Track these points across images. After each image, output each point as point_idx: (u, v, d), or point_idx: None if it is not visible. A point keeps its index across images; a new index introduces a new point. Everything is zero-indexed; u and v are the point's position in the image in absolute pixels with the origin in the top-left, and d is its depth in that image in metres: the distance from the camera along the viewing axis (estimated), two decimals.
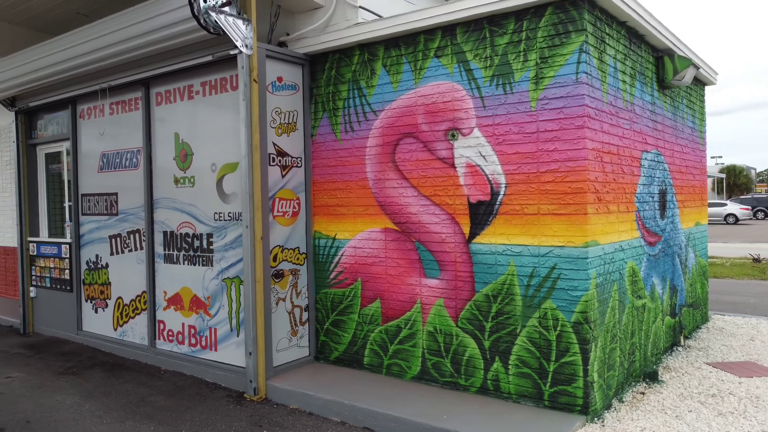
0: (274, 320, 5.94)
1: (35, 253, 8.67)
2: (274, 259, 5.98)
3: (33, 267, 8.71)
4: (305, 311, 6.32)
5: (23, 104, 8.46)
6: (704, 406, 4.97)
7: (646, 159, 5.97)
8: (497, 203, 5.07)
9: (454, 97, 5.28)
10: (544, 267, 4.83)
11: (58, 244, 8.22)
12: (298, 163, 6.25)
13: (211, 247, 6.27)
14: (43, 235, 8.72)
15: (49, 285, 8.43)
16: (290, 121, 6.16)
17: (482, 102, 5.12)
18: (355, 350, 6.05)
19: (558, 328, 4.76)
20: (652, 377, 5.67)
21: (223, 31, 5.42)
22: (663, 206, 6.53)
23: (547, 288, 4.82)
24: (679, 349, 6.80)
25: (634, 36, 5.67)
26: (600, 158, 4.90)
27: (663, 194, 6.52)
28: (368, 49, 5.88)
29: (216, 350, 6.24)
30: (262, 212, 5.69)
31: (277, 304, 6.00)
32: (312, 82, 6.30)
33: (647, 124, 6.03)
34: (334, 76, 6.13)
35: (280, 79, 6.05)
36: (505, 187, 5.02)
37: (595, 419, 4.69)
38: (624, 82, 5.44)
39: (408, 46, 5.60)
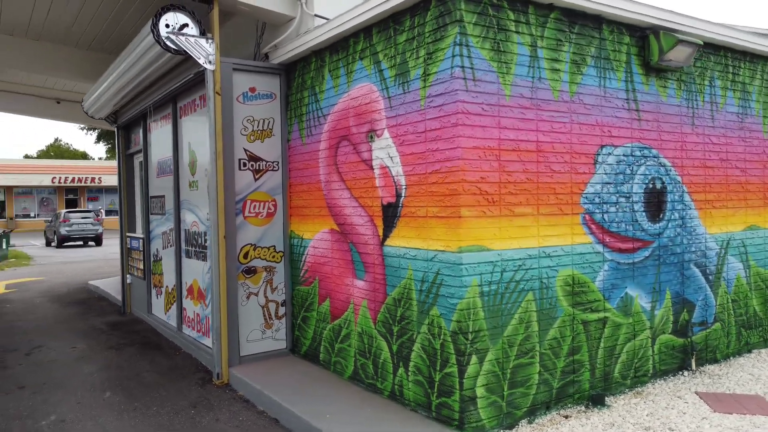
0: (244, 313, 6.44)
1: (129, 246, 10.30)
2: (245, 257, 6.47)
3: (129, 257, 10.35)
4: (282, 306, 6.72)
5: (120, 121, 10.11)
6: None
7: (611, 154, 5.27)
8: (400, 205, 4.97)
9: (371, 99, 5.26)
10: (431, 272, 4.63)
11: (139, 239, 9.68)
12: (274, 167, 6.66)
13: (205, 243, 6.98)
14: (139, 231, 10.31)
15: (136, 273, 9.96)
16: (265, 128, 6.60)
17: (389, 102, 5.04)
18: (314, 346, 6.29)
19: (441, 337, 4.53)
20: (597, 401, 5.02)
21: (185, 50, 6.05)
22: (657, 207, 5.66)
23: (433, 294, 4.61)
24: (684, 373, 5.82)
25: (582, 17, 5.06)
26: (496, 156, 4.53)
27: (657, 193, 5.65)
28: (319, 55, 6.07)
29: (209, 337, 6.94)
30: (225, 213, 6.21)
31: (248, 298, 6.49)
32: (287, 90, 6.66)
33: (616, 114, 5.31)
34: (300, 83, 6.42)
35: (252, 89, 6.52)
36: (405, 188, 4.90)
37: None
38: (556, 71, 4.90)
39: (343, 50, 5.69)
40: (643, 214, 5.55)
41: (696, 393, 5.26)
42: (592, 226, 5.16)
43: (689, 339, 5.94)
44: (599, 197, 5.20)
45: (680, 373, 5.82)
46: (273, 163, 6.65)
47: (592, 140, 5.15)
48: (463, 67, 4.37)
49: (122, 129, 10.37)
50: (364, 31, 5.35)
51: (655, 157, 5.64)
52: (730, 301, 6.37)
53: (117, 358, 7.39)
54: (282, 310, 6.72)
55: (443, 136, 4.46)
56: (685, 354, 5.90)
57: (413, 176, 4.79)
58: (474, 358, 4.43)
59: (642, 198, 5.53)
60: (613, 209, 5.30)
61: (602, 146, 5.23)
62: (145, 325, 9.24)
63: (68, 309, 11.00)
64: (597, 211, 5.19)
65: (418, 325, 4.77)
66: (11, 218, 43.83)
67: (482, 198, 4.47)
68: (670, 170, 5.78)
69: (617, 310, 5.34)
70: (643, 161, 5.54)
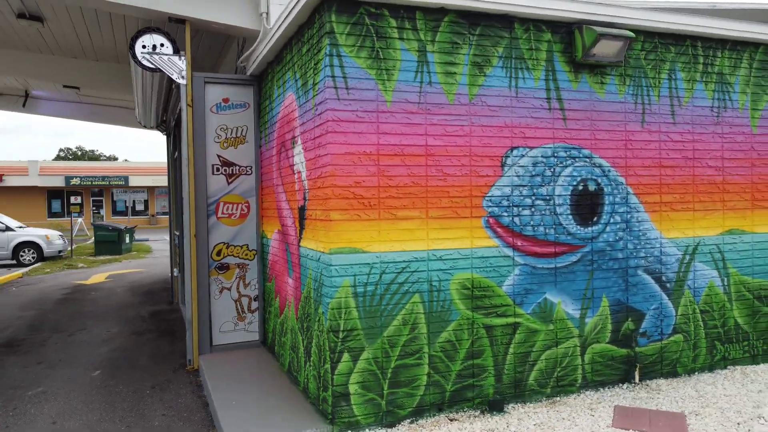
0: (217, 306, 7.02)
1: (176, 242, 11.38)
2: (218, 254, 7.05)
3: (175, 252, 11.44)
4: (255, 301, 7.22)
5: (168, 128, 11.22)
6: None
7: (524, 156, 5.14)
8: (306, 208, 5.24)
9: (293, 107, 5.58)
10: (318, 272, 4.87)
11: (178, 236, 10.69)
12: (247, 171, 7.17)
13: None
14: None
15: (179, 267, 11.01)
16: (238, 135, 7.13)
17: (300, 110, 5.33)
18: (272, 338, 6.72)
19: (323, 334, 4.76)
20: (495, 407, 4.94)
21: (159, 68, 6.74)
22: (590, 210, 5.41)
23: (319, 293, 4.85)
24: (624, 385, 5.49)
25: (486, 17, 5.00)
26: (374, 162, 4.66)
27: (590, 195, 5.40)
28: (271, 67, 6.48)
29: None
30: (196, 214, 6.83)
31: (221, 292, 7.07)
32: (259, 99, 7.14)
33: (532, 115, 5.17)
34: (265, 92, 6.87)
35: (225, 99, 7.08)
36: (308, 192, 5.16)
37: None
38: (452, 74, 4.90)
39: (280, 62, 6.05)
40: (570, 217, 5.33)
41: (616, 407, 4.99)
42: (498, 229, 5.08)
43: (633, 350, 5.59)
44: (508, 200, 5.10)
45: (620, 385, 5.50)
46: (246, 167, 7.16)
47: (499, 142, 5.06)
48: (333, 77, 4.55)
49: (169, 135, 11.48)
50: (288, 44, 5.67)
51: (586, 157, 5.39)
52: (698, 311, 5.87)
53: (133, 342, 8.32)
54: (255, 305, 7.22)
55: (322, 143, 4.68)
56: (629, 365, 5.56)
57: (310, 181, 5.04)
58: (346, 356, 4.60)
59: (568, 200, 5.32)
60: (527, 212, 5.17)
61: (513, 148, 5.12)
62: (179, 315, 10.21)
63: (135, 298, 12.36)
64: (505, 214, 5.10)
65: (314, 323, 5.02)
66: (153, 215, 48.82)
67: (356, 202, 4.62)
68: (609, 171, 5.48)
69: (533, 315, 5.20)
70: (570, 162, 5.32)
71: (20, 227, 21.15)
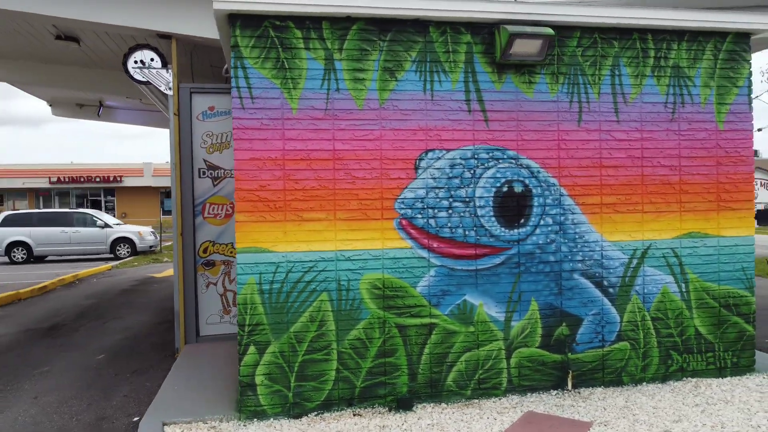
0: (203, 299, 7.58)
1: None
2: (205, 251, 7.61)
3: None
4: None
5: None
6: None
7: (440, 158, 5.18)
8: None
9: None
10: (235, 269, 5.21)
11: None
12: (232, 174, 7.67)
13: None
14: None
15: None
16: (223, 141, 7.64)
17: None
18: None
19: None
20: (403, 405, 5.03)
21: (148, 80, 7.40)
22: (516, 212, 5.33)
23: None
24: (554, 392, 5.35)
25: (398, 23, 5.09)
26: (280, 166, 4.94)
27: (516, 197, 5.32)
28: None
29: None
30: (182, 214, 7.43)
31: (207, 287, 7.62)
32: None
33: (449, 117, 5.19)
34: None
35: (211, 108, 7.61)
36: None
37: (249, 420, 4.87)
38: (361, 80, 5.05)
39: None
40: (493, 219, 5.29)
41: (527, 412, 4.92)
42: (412, 231, 5.16)
43: (566, 356, 5.43)
44: (422, 202, 5.17)
45: (550, 391, 5.38)
46: (231, 171, 7.66)
47: (412, 145, 5.14)
48: (238, 87, 4.87)
49: None
50: None
51: (512, 158, 5.32)
52: (648, 318, 5.58)
53: (147, 331, 9.13)
54: None
55: (234, 150, 5.01)
56: (563, 372, 5.42)
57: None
58: (252, 349, 4.91)
59: (491, 202, 5.28)
60: (443, 214, 5.20)
61: (428, 151, 5.17)
62: None
63: None
64: (419, 216, 5.17)
65: None
66: None
67: (262, 204, 4.91)
68: (539, 172, 5.37)
69: (450, 317, 5.22)
70: (492, 164, 5.28)
71: (117, 224, 23.41)
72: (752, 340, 5.81)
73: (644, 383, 5.56)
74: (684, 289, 5.66)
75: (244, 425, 4.78)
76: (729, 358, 5.75)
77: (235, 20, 4.84)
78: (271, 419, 4.90)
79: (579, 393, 5.34)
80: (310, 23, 4.97)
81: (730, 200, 5.75)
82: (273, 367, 4.95)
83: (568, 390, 5.39)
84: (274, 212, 4.94)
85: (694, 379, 5.63)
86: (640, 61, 5.55)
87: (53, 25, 8.73)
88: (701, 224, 5.70)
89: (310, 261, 5.01)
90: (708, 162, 5.69)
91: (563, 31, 5.38)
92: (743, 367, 5.77)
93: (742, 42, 5.74)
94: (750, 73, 5.77)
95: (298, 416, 4.96)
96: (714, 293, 5.72)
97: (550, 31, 5.11)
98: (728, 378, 5.69)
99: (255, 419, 4.89)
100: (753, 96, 5.90)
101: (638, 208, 5.57)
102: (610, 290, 5.52)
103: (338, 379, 5.06)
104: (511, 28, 5.04)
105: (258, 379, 4.92)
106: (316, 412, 5.00)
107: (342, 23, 5.02)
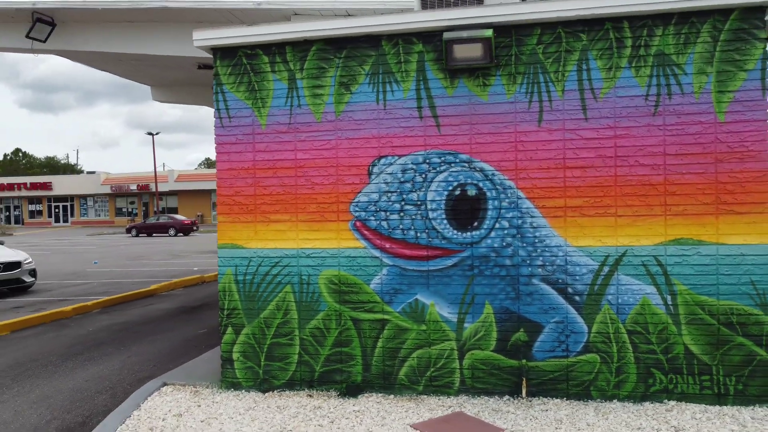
0: None
1: None
2: None
3: None
4: None
5: None
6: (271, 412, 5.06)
7: (392, 164, 5.48)
8: None
9: None
10: None
11: None
12: None
13: None
14: None
15: None
16: None
17: None
18: None
19: None
20: (350, 392, 5.46)
21: None
22: (469, 215, 5.37)
23: None
24: (508, 398, 5.24)
25: (351, 40, 5.52)
26: (252, 175, 5.75)
27: (469, 200, 5.36)
28: None
29: None
30: None
31: None
32: None
33: (401, 124, 5.45)
34: None
35: None
36: None
37: (226, 389, 5.78)
38: (319, 95, 5.60)
39: None
40: (445, 222, 5.41)
41: (457, 412, 5.01)
42: (366, 232, 5.55)
43: (523, 362, 5.29)
44: (375, 205, 5.52)
45: (503, 396, 5.31)
46: None
47: (365, 153, 5.54)
48: (218, 109, 5.79)
49: None
50: None
51: (465, 162, 5.37)
52: (623, 331, 5.14)
53: (189, 316, 10.61)
54: None
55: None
56: (520, 377, 5.30)
57: None
58: (230, 329, 5.81)
59: (443, 205, 5.41)
60: (395, 216, 5.49)
61: (380, 157, 5.51)
62: None
63: None
64: (372, 218, 5.53)
65: None
66: None
67: (237, 207, 5.78)
68: (493, 175, 5.32)
69: (402, 314, 5.50)
70: (444, 168, 5.40)
71: None
72: (766, 365, 4.95)
73: (616, 400, 5.14)
74: (670, 302, 5.07)
75: (219, 392, 5.71)
76: (732, 384, 4.99)
77: (216, 53, 5.78)
78: (243, 391, 5.75)
79: (530, 401, 5.19)
80: (275, 49, 5.68)
81: (734, 202, 4.97)
82: (246, 346, 5.79)
83: (522, 397, 5.27)
84: (246, 214, 5.77)
85: (682, 403, 5.02)
86: (613, 53, 5.12)
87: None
88: (694, 230, 5.04)
89: (276, 257, 5.73)
90: (703, 159, 5.01)
91: (520, 29, 5.25)
92: (753, 396, 4.96)
93: (752, 18, 4.92)
94: (765, 53, 4.91)
95: (266, 391, 5.73)
96: (711, 309, 5.01)
97: (487, 33, 5.07)
98: (728, 407, 4.95)
99: (231, 389, 5.78)
100: None
101: (611, 212, 5.16)
102: (576, 298, 5.22)
103: (300, 362, 5.70)
104: (447, 35, 5.14)
105: (235, 356, 5.81)
106: (280, 389, 5.71)
107: (302, 46, 5.63)
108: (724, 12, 4.95)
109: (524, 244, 5.30)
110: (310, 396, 5.53)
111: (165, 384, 5.93)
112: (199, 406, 5.33)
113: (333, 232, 5.62)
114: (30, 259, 13.92)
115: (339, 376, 5.64)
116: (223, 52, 5.76)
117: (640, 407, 4.99)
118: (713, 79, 4.98)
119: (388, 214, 5.52)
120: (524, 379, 5.29)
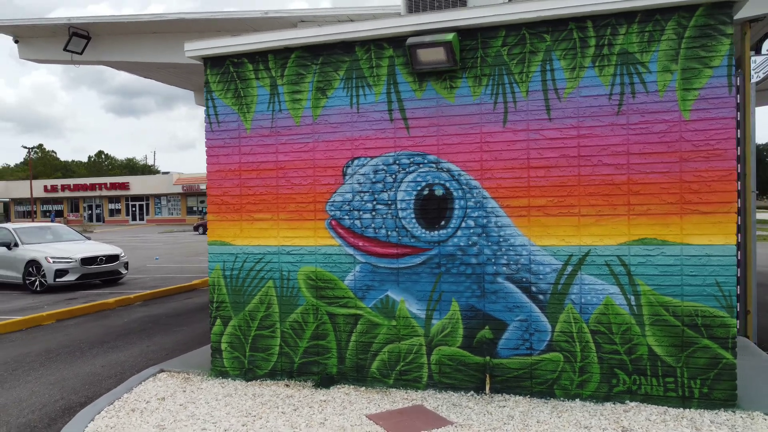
0: None
1: None
2: None
3: None
4: None
5: None
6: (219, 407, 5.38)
7: (365, 165, 5.69)
8: None
9: None
10: None
11: None
12: None
13: None
14: None
15: None
16: None
17: None
18: None
19: None
20: (323, 383, 5.71)
21: None
22: (436, 214, 5.50)
23: None
24: (470, 393, 5.34)
25: (327, 47, 5.77)
26: (237, 176, 6.12)
27: (436, 200, 5.49)
28: None
29: None
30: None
31: None
32: None
33: (373, 127, 5.66)
34: None
35: None
36: None
37: (215, 377, 6.18)
38: (298, 100, 5.88)
39: None
40: (414, 221, 5.57)
41: (417, 405, 5.17)
42: (340, 230, 5.79)
43: (487, 359, 5.38)
44: (349, 205, 5.75)
45: (470, 392, 5.41)
46: None
47: (340, 154, 5.78)
48: (209, 115, 6.19)
49: None
50: None
51: (433, 163, 5.51)
52: (586, 330, 5.14)
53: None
54: None
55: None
56: (485, 374, 5.40)
57: None
58: (218, 321, 6.20)
59: (412, 205, 5.57)
60: (368, 216, 5.70)
61: (354, 159, 5.74)
62: None
63: None
64: (346, 217, 5.77)
65: None
66: None
67: (224, 207, 6.16)
68: (460, 175, 5.44)
69: (374, 310, 5.70)
70: (413, 168, 5.57)
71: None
72: (732, 369, 4.83)
73: (579, 400, 5.15)
74: (634, 303, 5.03)
75: (207, 379, 6.11)
76: (697, 387, 4.90)
77: (207, 62, 6.17)
78: (229, 379, 6.12)
79: (492, 398, 5.27)
80: (259, 57, 6.01)
81: (699, 202, 4.88)
82: (233, 337, 6.16)
83: (485, 393, 5.36)
84: (233, 213, 6.14)
85: (644, 405, 4.97)
86: (577, 53, 5.13)
87: None
88: (658, 230, 4.98)
89: (260, 253, 6.06)
90: (667, 158, 4.94)
91: (486, 32, 5.34)
92: (718, 400, 4.85)
93: (719, 13, 4.81)
94: (731, 50, 4.80)
95: (250, 379, 6.08)
96: (675, 310, 4.94)
97: (447, 37, 5.19)
98: (692, 410, 4.86)
99: (219, 377, 6.17)
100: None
101: (574, 211, 5.17)
102: (540, 297, 5.26)
103: (281, 354, 6.01)
104: (410, 40, 5.30)
105: (223, 346, 6.19)
106: (262, 379, 6.05)
107: (283, 53, 5.93)
108: (690, 8, 4.87)
109: (489, 243, 5.38)
110: (287, 386, 5.83)
111: (162, 371, 6.39)
112: (185, 391, 5.74)
113: (311, 231, 5.90)
114: (124, 253, 15.50)
115: (316, 368, 5.91)
116: (212, 61, 6.15)
117: (600, 407, 4.98)
118: (678, 76, 4.91)
119: (361, 213, 5.73)
120: (488, 375, 5.37)
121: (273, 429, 4.71)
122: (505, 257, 5.34)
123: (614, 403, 5.04)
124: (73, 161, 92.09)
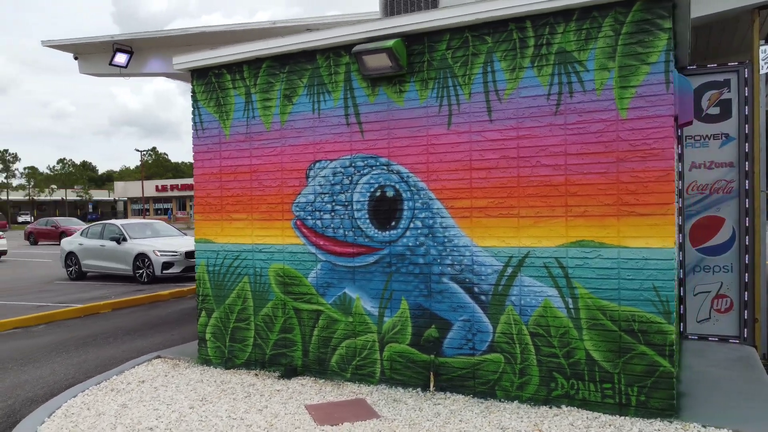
0: None
1: None
2: None
3: None
4: None
5: None
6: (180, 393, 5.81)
7: (325, 168, 5.96)
8: None
9: None
10: None
11: None
12: None
13: None
14: None
15: None
16: None
17: None
18: None
19: None
20: (287, 374, 6.04)
21: None
22: (388, 215, 5.66)
23: None
24: (420, 391, 5.45)
25: (291, 57, 6.09)
26: (218, 179, 6.59)
27: (388, 201, 5.65)
28: None
29: None
30: None
31: None
32: None
33: (332, 131, 5.91)
34: None
35: None
36: None
37: (200, 364, 6.70)
38: (268, 107, 6.25)
39: None
40: (368, 221, 5.76)
41: (358, 398, 5.38)
42: (304, 230, 6.10)
43: (432, 357, 5.47)
44: (312, 206, 6.04)
45: (418, 389, 5.53)
46: None
47: (304, 158, 6.08)
48: (194, 122, 6.71)
49: None
50: None
51: (384, 165, 5.68)
52: (526, 332, 5.11)
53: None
54: None
55: None
56: (428, 370, 5.50)
57: None
58: (204, 313, 6.71)
59: (366, 206, 5.77)
60: (327, 216, 5.96)
61: (315, 162, 6.02)
62: None
63: None
64: (309, 217, 6.06)
65: None
66: None
67: (208, 207, 6.65)
68: (408, 177, 5.57)
69: (334, 306, 5.96)
70: (367, 171, 5.76)
71: None
72: (669, 378, 4.63)
73: (518, 402, 5.13)
74: (571, 306, 4.94)
75: (192, 366, 6.64)
76: (634, 395, 4.74)
77: (194, 74, 6.70)
78: (212, 367, 6.61)
79: (434, 395, 5.37)
80: (235, 68, 6.44)
81: (636, 203, 4.71)
82: (216, 328, 6.65)
83: (429, 391, 5.46)
84: (215, 213, 6.62)
85: (577, 410, 4.88)
86: (516, 53, 5.11)
87: None
88: (595, 231, 4.86)
89: (237, 251, 6.50)
90: (604, 158, 4.81)
91: (432, 36, 5.44)
92: (655, 409, 4.67)
93: (657, 7, 4.63)
94: (669, 45, 4.60)
95: (229, 368, 6.54)
96: (612, 314, 4.80)
97: (388, 43, 5.33)
98: (628, 418, 4.71)
99: (204, 365, 6.68)
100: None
101: (514, 213, 5.15)
102: (482, 297, 5.28)
103: (255, 345, 6.42)
104: (356, 48, 5.50)
105: (207, 336, 6.70)
106: (239, 368, 6.48)
107: (255, 64, 6.32)
108: (627, 3, 4.72)
109: (435, 244, 5.48)
110: (256, 375, 6.23)
111: (158, 357, 7.01)
112: (166, 376, 6.29)
113: (279, 230, 6.25)
114: None
115: (284, 360, 6.25)
116: (197, 73, 6.67)
117: (534, 410, 4.95)
118: (615, 74, 4.77)
119: (321, 213, 6.01)
120: (432, 373, 5.47)
121: (214, 412, 5.11)
122: (450, 258, 5.41)
123: (550, 407, 4.99)
124: (182, 162, 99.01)
